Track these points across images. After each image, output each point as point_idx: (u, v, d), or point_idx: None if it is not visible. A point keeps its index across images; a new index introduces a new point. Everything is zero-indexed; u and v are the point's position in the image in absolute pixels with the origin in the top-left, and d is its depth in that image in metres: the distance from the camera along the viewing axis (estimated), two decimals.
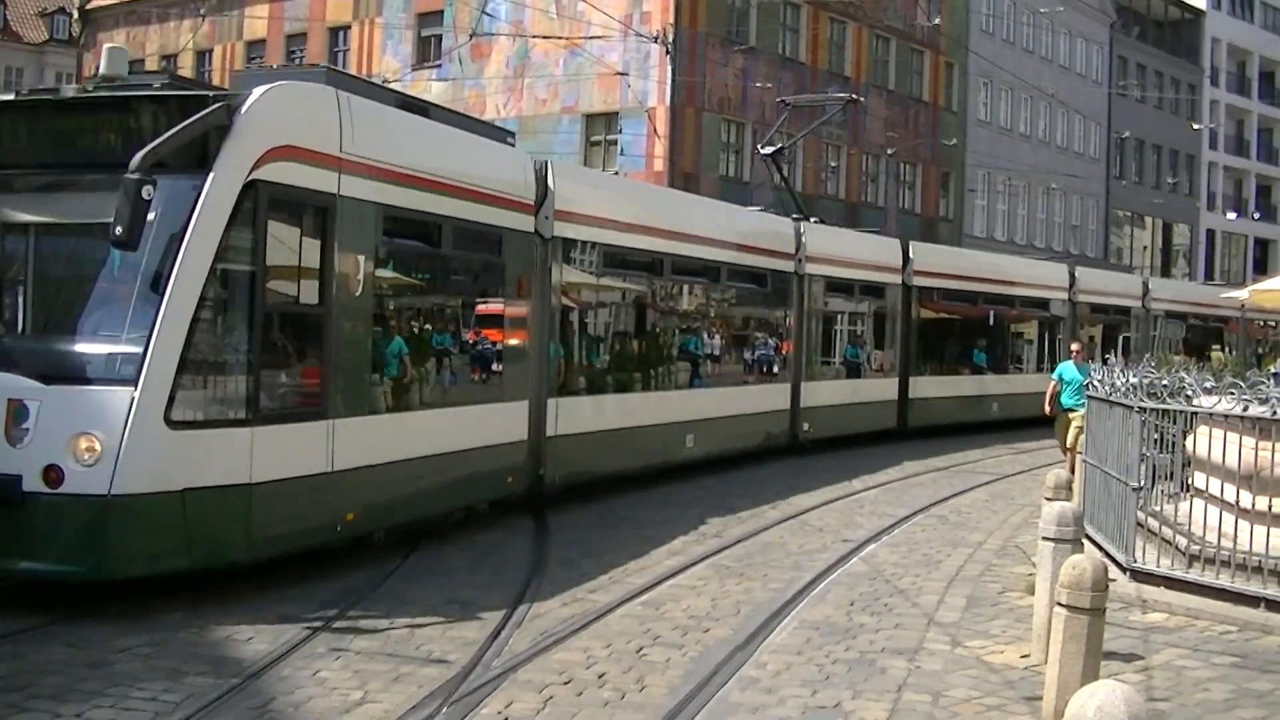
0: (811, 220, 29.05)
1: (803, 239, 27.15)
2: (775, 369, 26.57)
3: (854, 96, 31.76)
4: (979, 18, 58.73)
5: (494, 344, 17.46)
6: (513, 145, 18.33)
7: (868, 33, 51.79)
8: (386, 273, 14.90)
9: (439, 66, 46.71)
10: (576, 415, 19.29)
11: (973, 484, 23.15)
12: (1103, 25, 70.07)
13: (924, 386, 32.66)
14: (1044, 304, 38.35)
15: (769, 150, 31.26)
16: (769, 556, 15.28)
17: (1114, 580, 11.21)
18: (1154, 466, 13.61)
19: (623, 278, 21.27)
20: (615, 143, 43.21)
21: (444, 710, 9.03)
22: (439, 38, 47.53)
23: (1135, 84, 73.20)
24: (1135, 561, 12.87)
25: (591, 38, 38.69)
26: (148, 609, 11.18)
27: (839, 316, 30.10)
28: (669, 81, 41.55)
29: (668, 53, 40.02)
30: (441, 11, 47.40)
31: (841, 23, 50.36)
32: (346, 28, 50.72)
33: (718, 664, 10.34)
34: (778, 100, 31.64)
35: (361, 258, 14.01)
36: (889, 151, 52.78)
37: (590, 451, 19.70)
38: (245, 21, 53.16)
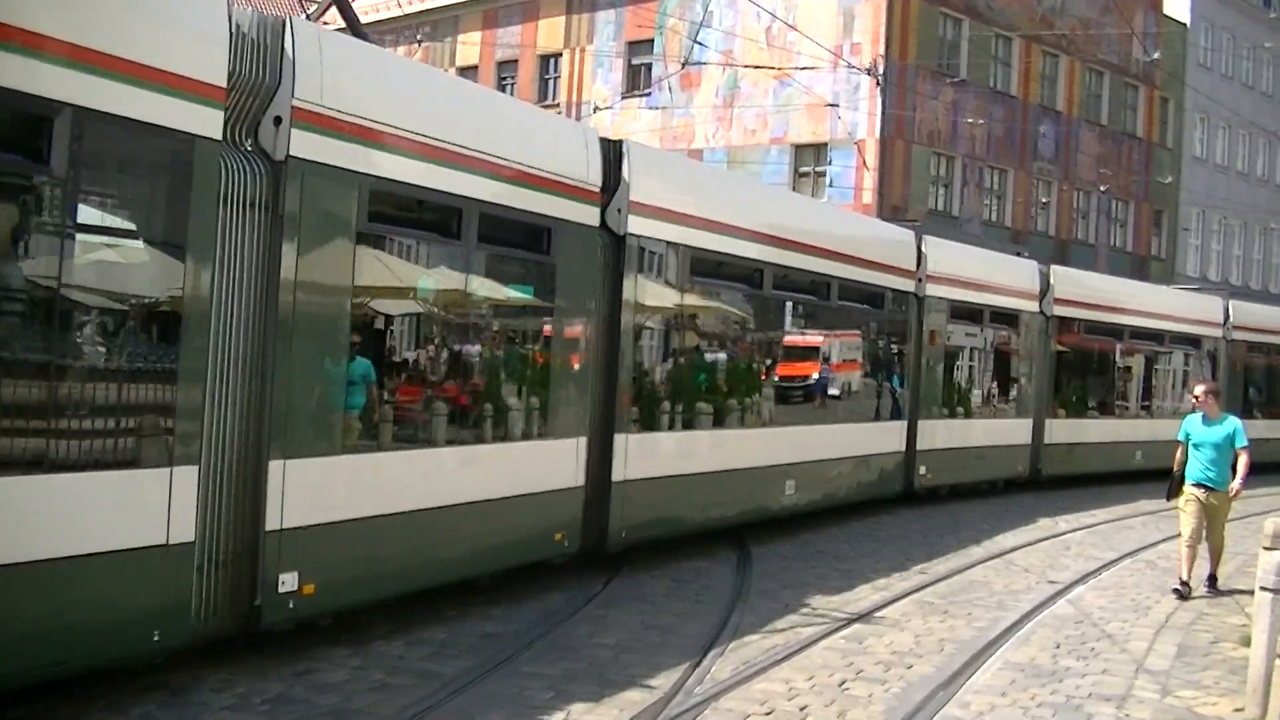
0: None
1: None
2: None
3: None
4: (1197, 51, 57.48)
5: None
6: None
7: (1081, 66, 50.97)
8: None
9: (648, 95, 47.06)
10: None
11: None
12: None
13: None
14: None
15: None
16: (973, 595, 15.08)
17: None
18: None
19: None
20: (824, 174, 43.12)
21: None
22: (649, 66, 47.88)
23: None
24: None
25: (802, 68, 38.60)
26: (354, 624, 11.36)
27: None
28: (879, 113, 41.38)
29: (878, 84, 39.81)
30: (652, 40, 47.74)
31: (1054, 56, 49.67)
32: (558, 55, 51.31)
33: (920, 701, 10.21)
34: None
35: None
36: (1101, 188, 51.91)
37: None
38: (458, 48, 54.03)
